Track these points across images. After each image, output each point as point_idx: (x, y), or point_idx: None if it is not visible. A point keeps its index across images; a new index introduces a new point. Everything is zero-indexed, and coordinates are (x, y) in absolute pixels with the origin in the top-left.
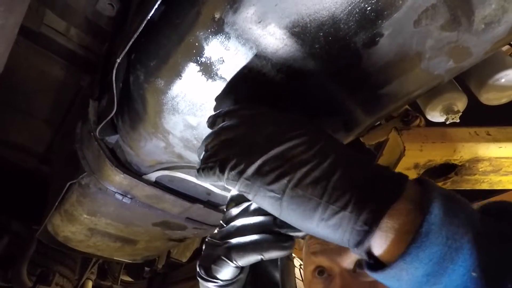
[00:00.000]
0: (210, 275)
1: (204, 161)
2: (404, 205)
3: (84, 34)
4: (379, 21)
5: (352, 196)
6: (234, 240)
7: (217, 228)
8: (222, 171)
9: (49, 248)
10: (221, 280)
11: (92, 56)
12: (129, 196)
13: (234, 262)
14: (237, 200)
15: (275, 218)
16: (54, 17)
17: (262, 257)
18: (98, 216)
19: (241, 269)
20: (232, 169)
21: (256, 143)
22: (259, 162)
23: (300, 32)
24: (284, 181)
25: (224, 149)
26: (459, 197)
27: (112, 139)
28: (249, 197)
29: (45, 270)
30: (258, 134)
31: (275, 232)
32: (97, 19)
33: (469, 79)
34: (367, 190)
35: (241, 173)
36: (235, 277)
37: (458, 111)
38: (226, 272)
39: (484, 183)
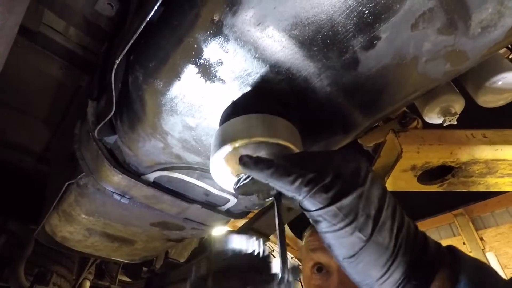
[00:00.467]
0: None
1: (292, 168)
2: (442, 276)
3: (83, 33)
4: (377, 24)
5: (411, 257)
6: None
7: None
8: (308, 186)
9: (47, 248)
10: None
11: (91, 56)
12: (127, 196)
13: None
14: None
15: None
16: (53, 17)
17: None
18: (96, 216)
19: None
20: (325, 189)
21: (341, 174)
22: (355, 193)
23: (298, 34)
24: (371, 224)
25: (308, 165)
26: (487, 266)
27: (110, 139)
28: (324, 227)
29: (42, 270)
30: (330, 165)
31: None
32: (96, 19)
33: (466, 82)
34: (419, 257)
35: (335, 199)
36: None
37: (455, 113)
38: None
39: (481, 185)
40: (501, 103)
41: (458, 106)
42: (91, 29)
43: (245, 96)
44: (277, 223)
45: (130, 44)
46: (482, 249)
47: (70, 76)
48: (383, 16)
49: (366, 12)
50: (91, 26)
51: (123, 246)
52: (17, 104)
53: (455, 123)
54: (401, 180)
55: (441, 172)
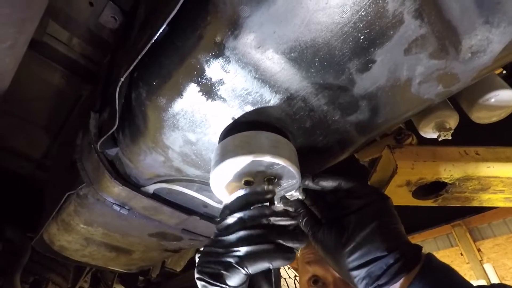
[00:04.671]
0: (220, 281)
1: None
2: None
3: (86, 44)
4: (372, 48)
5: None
6: (244, 249)
7: (212, 237)
8: None
9: (43, 256)
10: (230, 286)
11: (93, 66)
12: (126, 207)
13: (245, 269)
14: (231, 208)
15: (272, 228)
16: (57, 27)
17: (270, 265)
18: (94, 226)
19: (247, 276)
20: None
21: None
22: None
23: (297, 57)
24: None
25: None
26: (452, 270)
27: (112, 151)
28: None
29: (38, 278)
30: None
31: (277, 243)
32: (100, 31)
33: (460, 98)
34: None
35: None
36: (242, 284)
37: (450, 129)
38: (236, 279)
39: (474, 200)
40: (494, 119)
41: (452, 121)
42: (94, 40)
43: (245, 114)
44: None
45: (135, 63)
46: (480, 261)
47: (72, 85)
48: (377, 41)
49: (361, 37)
50: (94, 38)
51: (121, 256)
52: (17, 111)
53: (450, 138)
54: (396, 195)
55: (435, 187)
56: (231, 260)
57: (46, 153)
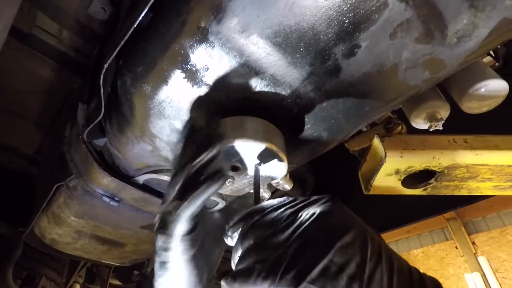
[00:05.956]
0: (171, 233)
1: (240, 263)
2: None
3: (76, 36)
4: (357, 33)
5: None
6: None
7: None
8: (272, 275)
9: (36, 250)
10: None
11: (83, 58)
12: (116, 198)
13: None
14: None
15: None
16: (45, 19)
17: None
18: (85, 219)
19: (196, 221)
20: (287, 272)
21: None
22: (324, 262)
23: (281, 42)
24: (356, 285)
25: (263, 251)
26: None
27: (100, 142)
28: None
29: (31, 273)
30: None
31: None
32: (89, 22)
33: (451, 88)
34: None
35: (302, 277)
36: (192, 230)
37: (441, 119)
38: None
39: (463, 189)
40: (485, 109)
41: (443, 112)
42: (84, 32)
43: (231, 101)
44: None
45: (118, 49)
46: (474, 253)
47: (62, 78)
48: (362, 26)
49: (346, 21)
50: (84, 29)
51: (113, 249)
52: (8, 106)
53: (441, 128)
54: (386, 184)
55: (424, 176)
56: (174, 210)
57: (38, 148)
